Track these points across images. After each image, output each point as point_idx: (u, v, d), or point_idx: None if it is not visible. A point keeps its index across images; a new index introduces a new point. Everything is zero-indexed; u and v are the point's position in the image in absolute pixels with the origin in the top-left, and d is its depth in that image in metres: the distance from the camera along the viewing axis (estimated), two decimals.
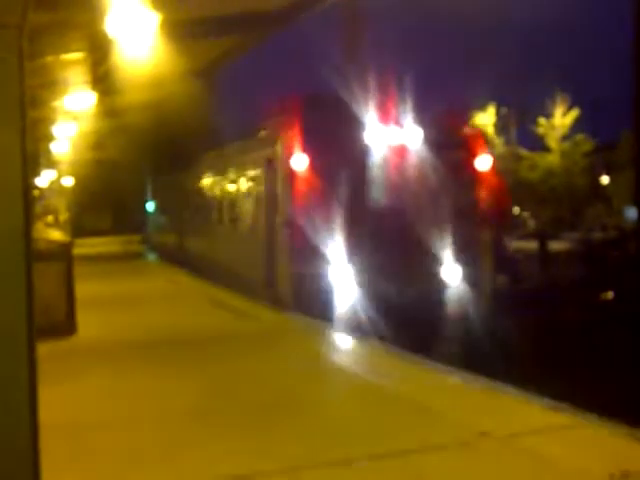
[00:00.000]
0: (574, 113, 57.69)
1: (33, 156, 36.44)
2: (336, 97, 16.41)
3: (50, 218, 41.16)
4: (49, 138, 34.92)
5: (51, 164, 50.15)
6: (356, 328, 14.44)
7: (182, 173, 32.80)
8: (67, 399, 9.72)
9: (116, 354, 12.81)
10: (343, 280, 16.02)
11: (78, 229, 42.81)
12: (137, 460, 7.47)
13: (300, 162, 16.59)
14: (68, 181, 52.19)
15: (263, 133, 20.23)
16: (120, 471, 7.24)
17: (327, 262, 15.93)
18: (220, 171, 25.60)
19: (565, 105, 57.75)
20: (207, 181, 27.93)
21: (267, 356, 12.20)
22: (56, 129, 31.62)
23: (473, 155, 18.04)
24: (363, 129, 16.98)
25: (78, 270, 16.12)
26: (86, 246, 37.38)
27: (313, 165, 16.56)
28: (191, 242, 30.79)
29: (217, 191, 26.00)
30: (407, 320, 14.39)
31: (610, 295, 24.99)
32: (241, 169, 22.40)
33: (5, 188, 4.07)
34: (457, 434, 7.85)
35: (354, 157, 16.85)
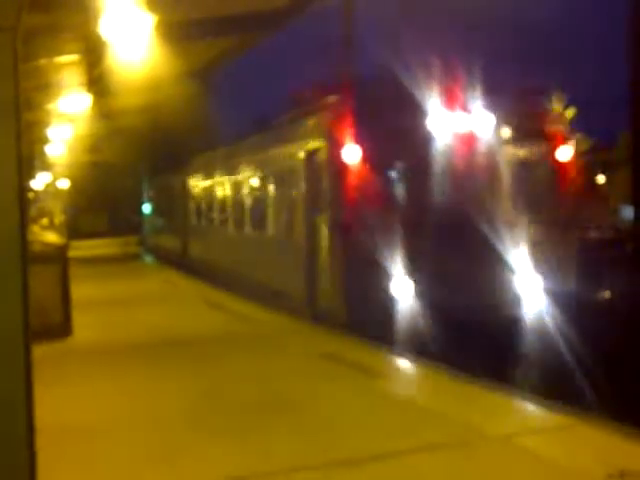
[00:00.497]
0: (570, 112, 57.63)
1: (28, 159, 36.40)
2: (394, 80, 13.93)
3: (45, 220, 41.01)
4: (44, 141, 34.85)
5: (46, 167, 50.04)
6: (422, 351, 11.93)
7: (184, 173, 31.10)
8: (63, 401, 9.70)
9: (112, 356, 12.80)
10: (404, 293, 13.84)
11: (74, 231, 42.74)
12: (134, 462, 7.47)
13: (353, 155, 14.37)
14: (63, 183, 52.09)
15: (302, 123, 17.41)
16: (117, 473, 7.23)
17: (385, 272, 13.77)
18: (235, 170, 22.93)
19: (562, 104, 57.67)
20: (218, 182, 25.35)
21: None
22: (51, 132, 31.56)
23: (554, 145, 15.62)
24: (425, 115, 14.54)
25: (74, 272, 16.11)
26: (82, 248, 37.33)
27: (368, 158, 14.39)
28: (198, 248, 28.64)
29: (232, 192, 23.32)
30: (484, 342, 12.00)
31: None
32: (268, 166, 19.62)
33: (0, 191, 4.06)
34: None
35: (415, 148, 14.47)
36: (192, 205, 29.68)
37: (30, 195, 49.50)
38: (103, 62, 18.00)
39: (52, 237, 21.21)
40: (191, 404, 9.55)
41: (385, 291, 13.81)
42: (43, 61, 18.41)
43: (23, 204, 4.13)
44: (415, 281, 13.80)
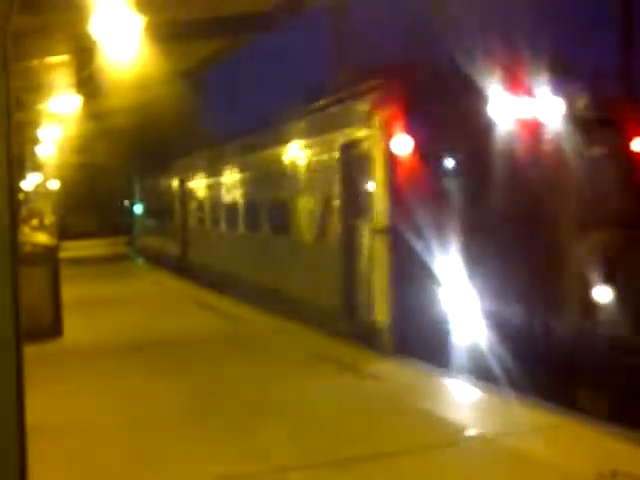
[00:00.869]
0: None
1: (18, 159, 36.31)
2: (450, 62, 12.46)
3: (36, 221, 40.91)
4: (34, 141, 34.79)
5: (36, 167, 49.91)
6: (486, 377, 10.25)
7: (182, 172, 29.00)
8: (53, 402, 9.69)
9: (102, 356, 12.78)
10: (463, 308, 11.85)
11: (63, 232, 42.64)
12: (124, 462, 7.47)
13: (405, 146, 12.28)
14: (54, 184, 51.98)
15: (338, 110, 15.02)
16: (107, 473, 7.23)
17: (440, 284, 11.86)
18: (249, 166, 20.52)
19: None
20: (227, 180, 22.68)
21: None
22: (41, 132, 31.51)
23: (629, 134, 13.48)
24: (486, 101, 12.62)
25: (64, 273, 16.08)
26: (72, 249, 37.26)
27: (422, 149, 12.34)
28: (201, 252, 26.16)
29: (245, 191, 20.88)
30: (558, 365, 10.63)
31: None
32: (292, 160, 17.03)
33: None
34: None
35: (475, 138, 12.59)
36: (193, 206, 27.60)
37: (20, 196, 49.40)
38: (93, 62, 17.98)
39: (42, 238, 21.17)
40: (181, 404, 9.55)
41: (439, 306, 11.94)
42: (34, 61, 18.39)
43: (13, 205, 4.13)
44: (475, 295, 11.84)
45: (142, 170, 39.12)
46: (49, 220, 42.90)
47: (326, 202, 14.98)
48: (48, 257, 15.17)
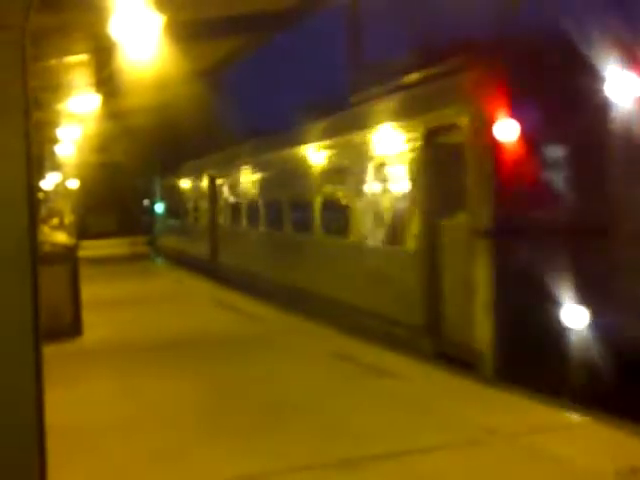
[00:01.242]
0: None
1: (38, 159, 36.43)
2: (560, 36, 10.33)
3: (55, 221, 41.11)
4: (54, 141, 34.97)
5: (56, 167, 50.18)
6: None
7: (212, 168, 27.35)
8: (72, 401, 9.71)
9: (122, 356, 12.81)
10: (577, 326, 9.97)
11: (83, 231, 42.78)
12: (146, 461, 7.47)
13: (510, 132, 10.40)
14: (73, 184, 52.20)
15: (418, 91, 13.03)
16: (129, 472, 7.24)
17: (552, 297, 9.97)
18: (296, 161, 18.37)
19: None
20: (268, 176, 20.93)
21: None
22: (61, 132, 31.67)
23: None
24: (602, 80, 10.53)
25: (84, 272, 16.12)
26: (91, 248, 37.39)
27: (530, 137, 10.47)
28: (235, 255, 24.34)
29: (293, 189, 18.74)
30: None
31: None
32: (358, 151, 14.85)
33: (10, 191, 4.06)
34: None
35: (591, 123, 10.56)
36: (224, 204, 25.75)
37: (40, 195, 49.67)
38: (112, 62, 18.03)
39: (62, 237, 21.27)
40: (201, 405, 9.55)
41: (552, 323, 10.04)
42: (53, 61, 18.48)
43: (33, 204, 4.14)
44: (595, 311, 9.93)
45: (163, 168, 38.47)
46: (68, 219, 43.09)
47: (401, 199, 13.15)
48: (67, 256, 15.23)
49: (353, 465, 7.08)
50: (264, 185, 21.30)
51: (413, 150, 12.57)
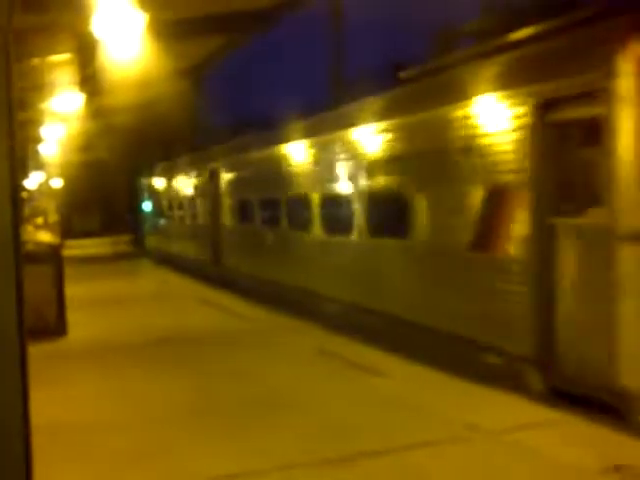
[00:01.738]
0: None
1: (21, 158, 36.33)
2: None
3: (39, 220, 40.98)
4: (37, 140, 34.92)
5: (40, 166, 50.12)
6: None
7: (214, 160, 24.48)
8: (56, 401, 9.69)
9: (106, 355, 12.78)
10: None
11: (67, 231, 42.68)
12: (128, 461, 7.46)
13: None
14: (57, 183, 52.11)
15: (525, 54, 10.33)
16: (112, 472, 7.23)
17: None
18: (332, 148, 15.62)
19: None
20: (295, 168, 17.72)
21: None
22: (44, 131, 31.61)
23: None
24: None
25: (68, 271, 16.09)
26: (76, 247, 37.28)
27: None
28: (244, 259, 21.64)
29: (326, 182, 15.96)
30: None
31: None
32: (425, 134, 12.19)
33: None
34: None
35: None
36: (231, 201, 22.88)
37: (24, 194, 49.50)
38: (95, 61, 18.02)
39: (46, 237, 21.19)
40: (187, 403, 9.55)
41: None
42: (36, 60, 18.45)
43: (16, 204, 4.13)
44: None
45: (150, 165, 36.71)
46: (52, 219, 42.99)
47: (496, 193, 10.44)
48: (51, 256, 15.19)
49: (340, 462, 7.10)
50: (286, 179, 18.16)
51: (515, 131, 9.98)
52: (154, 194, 35.92)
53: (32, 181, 55.99)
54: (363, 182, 14.27)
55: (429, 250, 12.07)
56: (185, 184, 29.01)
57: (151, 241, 36.52)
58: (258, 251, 20.41)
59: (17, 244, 4.14)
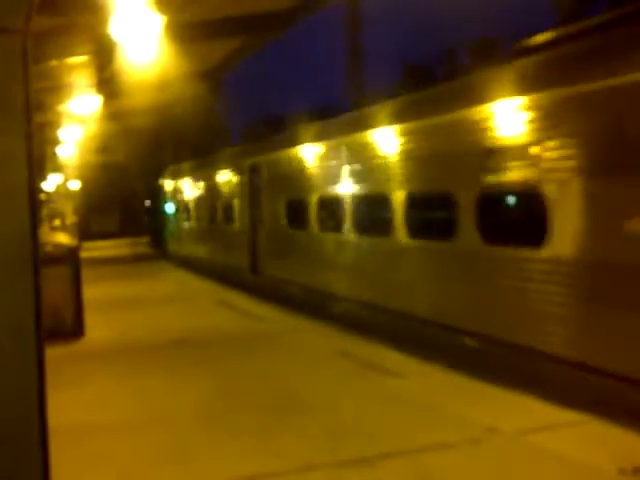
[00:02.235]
0: None
1: (39, 160, 36.52)
2: None
3: (57, 222, 41.26)
4: (55, 142, 35.05)
5: (57, 168, 50.33)
6: None
7: (256, 157, 21.44)
8: (76, 402, 9.72)
9: (124, 356, 12.80)
10: None
11: (85, 232, 42.85)
12: (148, 462, 7.47)
13: None
14: (74, 185, 52.31)
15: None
16: (132, 473, 7.24)
17: None
18: (405, 139, 13.11)
19: None
20: (363, 165, 14.72)
21: None
22: (62, 133, 31.74)
23: None
24: None
25: (85, 273, 16.13)
26: (93, 249, 37.41)
27: None
28: (291, 266, 18.76)
29: (397, 179, 13.30)
30: None
31: None
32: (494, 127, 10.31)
33: (11, 192, 4.08)
34: None
35: None
36: (275, 201, 19.82)
37: (41, 196, 49.73)
38: (113, 63, 18.08)
39: (64, 238, 21.26)
40: (206, 404, 9.55)
41: None
42: (54, 62, 18.52)
43: (34, 205, 4.15)
44: None
45: (172, 165, 34.82)
46: (70, 220, 43.18)
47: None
48: (69, 257, 15.22)
49: (359, 463, 7.09)
50: (357, 175, 15.08)
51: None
52: (176, 195, 33.49)
53: (50, 183, 56.26)
54: (474, 177, 11.04)
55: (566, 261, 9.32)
56: (214, 183, 26.26)
57: (174, 247, 33.91)
58: (312, 258, 17.60)
59: (35, 246, 4.15)
